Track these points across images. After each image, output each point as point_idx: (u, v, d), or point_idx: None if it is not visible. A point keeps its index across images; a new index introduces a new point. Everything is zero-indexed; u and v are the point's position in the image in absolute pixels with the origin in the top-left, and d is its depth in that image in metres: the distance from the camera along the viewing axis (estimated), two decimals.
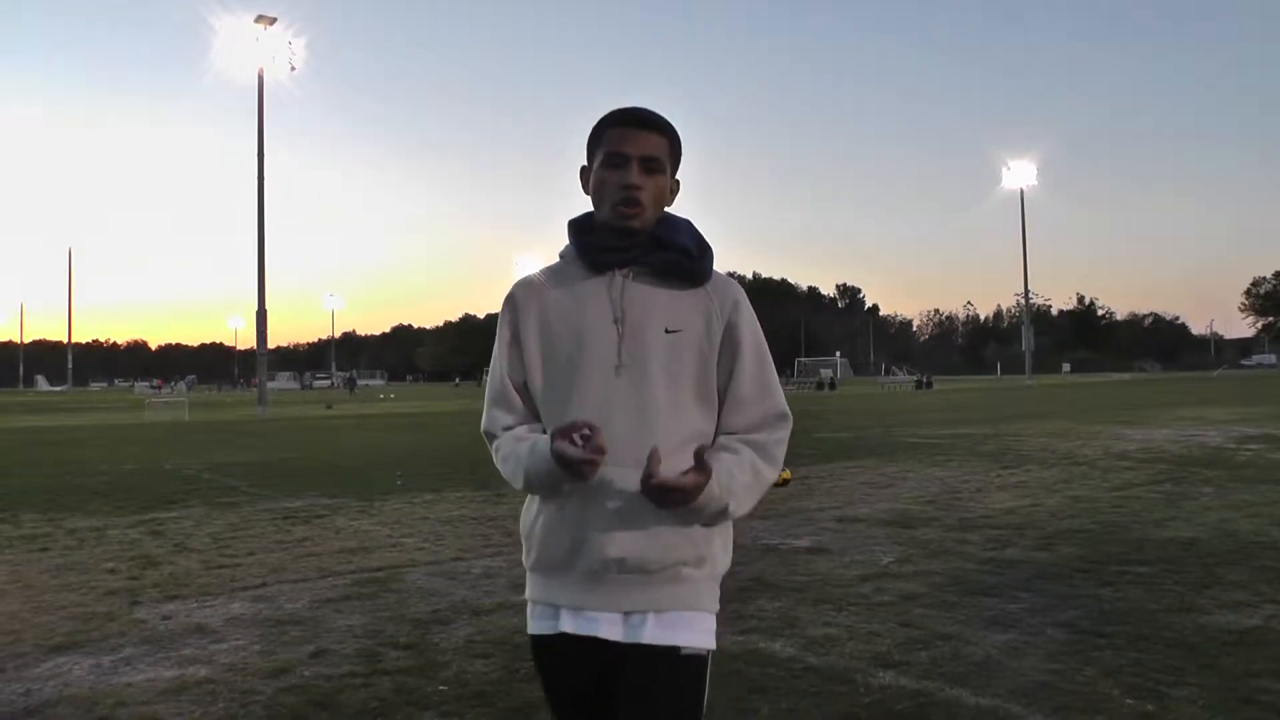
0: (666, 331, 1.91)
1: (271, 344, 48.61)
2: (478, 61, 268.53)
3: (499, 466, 2.00)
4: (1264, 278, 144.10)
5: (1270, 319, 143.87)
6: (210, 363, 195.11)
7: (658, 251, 1.95)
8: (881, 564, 6.73)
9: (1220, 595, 5.66)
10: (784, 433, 1.98)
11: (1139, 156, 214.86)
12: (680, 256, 1.95)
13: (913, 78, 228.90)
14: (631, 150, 1.90)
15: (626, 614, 1.88)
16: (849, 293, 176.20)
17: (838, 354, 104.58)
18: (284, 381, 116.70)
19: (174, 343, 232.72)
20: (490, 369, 2.06)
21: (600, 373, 1.90)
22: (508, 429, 2.01)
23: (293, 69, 43.76)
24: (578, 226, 2.02)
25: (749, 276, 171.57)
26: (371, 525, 8.87)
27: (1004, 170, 76.69)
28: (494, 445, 2.04)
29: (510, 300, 2.03)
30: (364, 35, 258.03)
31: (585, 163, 2.00)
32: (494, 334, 2.02)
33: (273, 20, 42.27)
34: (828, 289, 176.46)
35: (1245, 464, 12.68)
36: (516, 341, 2.00)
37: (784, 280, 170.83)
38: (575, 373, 1.91)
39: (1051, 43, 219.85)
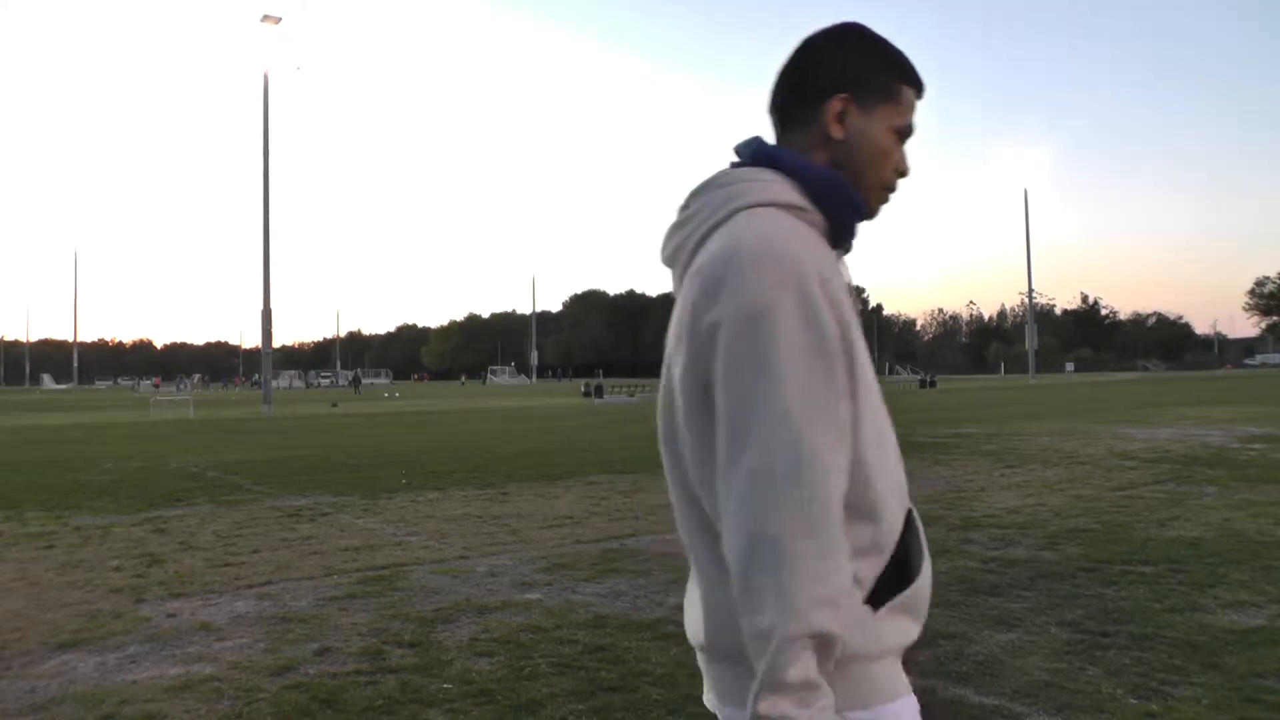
0: None
1: (276, 343, 48.77)
2: (483, 59, 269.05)
3: (821, 573, 1.15)
4: (1268, 277, 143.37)
5: (1275, 319, 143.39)
6: (216, 361, 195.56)
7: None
8: None
9: (1224, 595, 5.66)
10: None
11: (1142, 156, 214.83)
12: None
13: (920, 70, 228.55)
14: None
15: None
16: (853, 291, 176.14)
17: None
18: (287, 380, 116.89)
19: (180, 341, 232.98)
20: (807, 396, 1.19)
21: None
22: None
23: (299, 68, 43.97)
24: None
25: None
26: (376, 523, 8.88)
27: (1008, 170, 76.57)
28: (833, 562, 1.17)
29: (820, 283, 1.25)
30: (371, 32, 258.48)
31: (846, 92, 1.39)
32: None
33: (279, 20, 42.35)
34: None
35: (1249, 464, 12.66)
36: (850, 348, 1.27)
37: None
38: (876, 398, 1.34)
39: (1057, 41, 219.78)
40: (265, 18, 41.90)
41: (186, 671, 4.56)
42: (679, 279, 1.36)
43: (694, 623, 1.37)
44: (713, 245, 1.28)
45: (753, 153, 1.40)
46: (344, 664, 4.63)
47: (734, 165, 1.41)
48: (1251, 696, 3.98)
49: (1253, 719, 3.76)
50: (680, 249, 1.37)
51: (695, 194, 1.38)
